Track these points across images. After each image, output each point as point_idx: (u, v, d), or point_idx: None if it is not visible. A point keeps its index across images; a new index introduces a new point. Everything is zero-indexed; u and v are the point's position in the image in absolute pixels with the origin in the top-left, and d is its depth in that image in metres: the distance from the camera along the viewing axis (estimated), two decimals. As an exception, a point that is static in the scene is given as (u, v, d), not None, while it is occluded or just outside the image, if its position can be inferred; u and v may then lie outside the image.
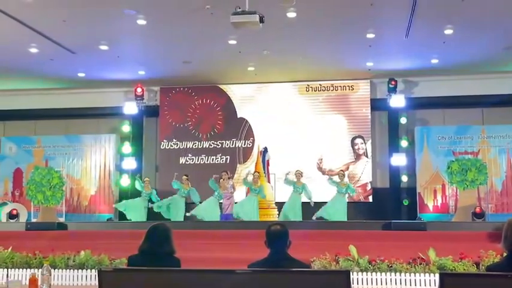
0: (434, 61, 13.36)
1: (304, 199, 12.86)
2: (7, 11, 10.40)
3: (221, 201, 12.98)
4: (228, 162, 15.23)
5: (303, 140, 14.98)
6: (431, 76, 14.29)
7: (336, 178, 13.01)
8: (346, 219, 12.20)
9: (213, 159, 15.36)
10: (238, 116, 15.48)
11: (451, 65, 13.50)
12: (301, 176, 13.01)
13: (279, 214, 13.47)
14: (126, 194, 15.12)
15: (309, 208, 12.55)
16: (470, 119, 14.61)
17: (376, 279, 8.01)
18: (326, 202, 12.65)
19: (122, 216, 14.93)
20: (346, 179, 13.09)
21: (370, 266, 8.12)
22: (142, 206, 13.37)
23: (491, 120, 14.52)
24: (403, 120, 14.63)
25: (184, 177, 13.36)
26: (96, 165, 15.54)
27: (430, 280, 7.88)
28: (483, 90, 14.09)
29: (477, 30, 11.37)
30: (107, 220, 14.29)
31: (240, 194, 13.70)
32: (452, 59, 13.10)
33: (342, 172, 13.23)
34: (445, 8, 10.37)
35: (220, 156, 15.36)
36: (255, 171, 13.68)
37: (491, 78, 14.13)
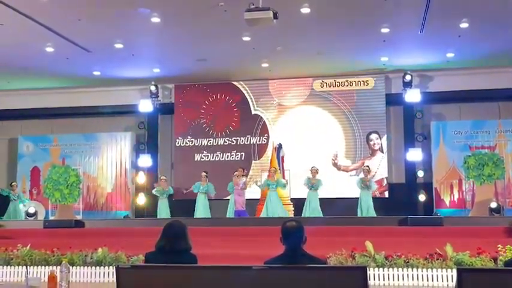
0: (450, 55, 13.24)
1: (321, 195, 12.91)
2: (23, 11, 10.49)
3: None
4: (243, 159, 15.23)
5: (318, 136, 14.93)
6: (447, 70, 14.17)
7: (361, 175, 13.28)
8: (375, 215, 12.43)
9: (228, 156, 15.37)
10: (253, 113, 15.47)
11: (467, 59, 13.37)
12: (317, 173, 13.02)
13: (294, 210, 13.50)
14: (142, 191, 15.23)
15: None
16: (487, 113, 14.46)
17: (393, 274, 7.99)
18: (337, 198, 12.89)
19: (138, 213, 15.05)
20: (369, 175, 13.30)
21: (386, 261, 8.09)
22: (164, 204, 13.55)
23: (508, 114, 14.35)
24: (418, 115, 14.55)
25: (204, 173, 13.56)
26: (112, 163, 15.65)
27: (447, 276, 7.84)
28: (499, 84, 13.95)
29: (493, 24, 11.24)
30: (124, 217, 14.40)
31: (252, 192, 13.78)
32: (468, 53, 12.98)
33: (367, 168, 13.33)
34: (460, 1, 10.28)
35: (235, 153, 15.36)
36: (271, 167, 13.69)
37: (507, 72, 13.97)
